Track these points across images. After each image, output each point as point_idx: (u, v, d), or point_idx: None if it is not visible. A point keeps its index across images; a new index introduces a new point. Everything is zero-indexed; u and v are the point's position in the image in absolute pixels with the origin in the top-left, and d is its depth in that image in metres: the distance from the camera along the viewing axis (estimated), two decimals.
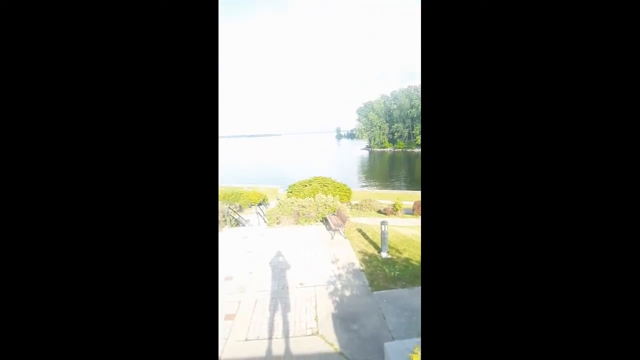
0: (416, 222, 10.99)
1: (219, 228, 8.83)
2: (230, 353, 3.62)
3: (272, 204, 12.75)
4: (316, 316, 4.27)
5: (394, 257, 6.26)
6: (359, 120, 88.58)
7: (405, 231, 8.76)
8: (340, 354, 3.54)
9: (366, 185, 30.11)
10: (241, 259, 6.43)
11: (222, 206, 9.73)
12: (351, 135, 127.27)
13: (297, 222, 9.17)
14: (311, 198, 9.87)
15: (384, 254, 6.29)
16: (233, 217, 10.57)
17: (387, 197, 17.21)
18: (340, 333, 3.89)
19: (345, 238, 7.53)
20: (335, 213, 8.92)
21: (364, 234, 7.86)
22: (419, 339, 2.64)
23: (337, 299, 4.72)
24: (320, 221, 9.14)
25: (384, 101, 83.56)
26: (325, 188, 13.39)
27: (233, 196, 14.62)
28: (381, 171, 44.60)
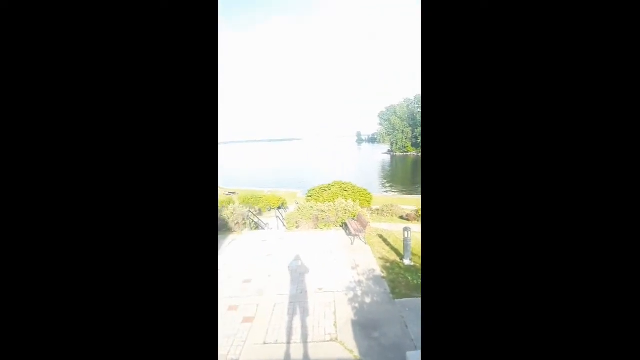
0: None
1: (239, 231, 8.96)
2: (248, 355, 3.60)
3: (292, 208, 12.80)
4: (335, 322, 4.18)
5: (417, 265, 6.05)
6: (380, 124, 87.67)
7: None
8: None
9: (388, 191, 29.64)
10: (260, 262, 6.46)
11: (242, 209, 9.87)
12: (372, 140, 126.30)
13: (316, 227, 9.13)
14: (331, 203, 9.80)
15: (406, 261, 6.10)
16: (252, 221, 10.70)
17: (409, 202, 16.82)
18: (360, 340, 3.78)
19: (365, 244, 7.39)
20: (355, 218, 8.80)
21: (385, 240, 7.68)
22: None
23: (357, 305, 4.60)
24: (340, 226, 9.04)
25: (407, 104, 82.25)
26: (345, 193, 13.29)
27: (253, 200, 14.85)
28: (403, 176, 43.78)
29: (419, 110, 78.40)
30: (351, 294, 4.92)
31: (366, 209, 12.69)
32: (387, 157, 73.22)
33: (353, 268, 5.96)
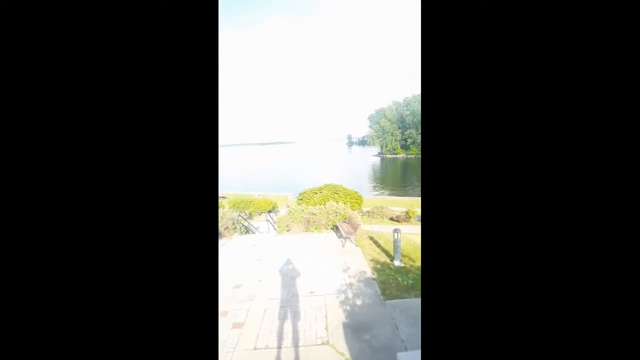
0: None
1: (229, 235, 8.86)
2: None
3: (282, 211, 12.75)
4: (326, 325, 4.17)
5: (407, 266, 6.09)
6: (370, 126, 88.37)
7: (418, 239, 8.55)
8: None
9: (378, 193, 29.83)
10: (250, 266, 6.40)
11: (232, 214, 9.77)
12: (362, 142, 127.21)
13: (307, 230, 9.11)
14: (322, 205, 9.81)
15: (396, 263, 6.14)
16: (243, 225, 10.60)
17: (399, 204, 16.95)
18: (351, 343, 3.77)
19: (356, 246, 7.41)
20: (346, 220, 8.82)
21: (375, 242, 7.72)
22: None
23: (348, 307, 4.60)
24: (331, 229, 9.05)
25: (396, 107, 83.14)
26: (336, 195, 13.31)
27: (243, 204, 14.73)
28: (393, 178, 44.15)
29: (408, 113, 79.48)
30: (342, 297, 4.91)
31: (357, 211, 12.73)
32: (377, 160, 73.77)
33: (344, 270, 5.96)
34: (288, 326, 4.20)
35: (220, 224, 8.87)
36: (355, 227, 7.77)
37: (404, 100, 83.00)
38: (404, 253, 6.68)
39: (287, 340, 3.89)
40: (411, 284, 5.27)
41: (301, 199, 13.89)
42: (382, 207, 13.91)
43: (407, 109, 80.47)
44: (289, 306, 4.71)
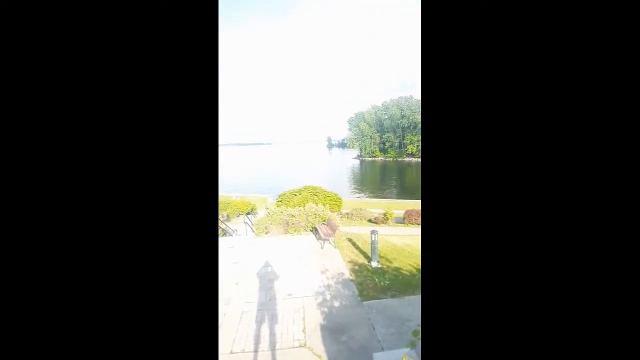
0: (407, 231, 11.00)
1: None
2: None
3: (261, 213, 12.60)
4: (304, 328, 4.16)
5: (384, 267, 6.21)
6: (350, 129, 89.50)
7: (396, 240, 8.74)
8: None
9: (357, 195, 30.18)
10: (227, 269, 6.27)
11: None
12: (342, 145, 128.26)
13: (286, 232, 9.06)
14: (301, 207, 9.79)
15: (374, 264, 6.23)
16: (220, 227, 10.37)
17: (378, 206, 17.24)
18: (328, 344, 3.79)
19: (335, 248, 7.45)
20: (325, 222, 8.86)
21: (354, 244, 7.80)
22: (408, 349, 2.59)
23: (326, 309, 4.62)
24: (310, 231, 9.05)
25: (375, 111, 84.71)
26: (316, 197, 13.34)
27: (220, 205, 14.41)
28: (372, 180, 44.83)
29: (386, 117, 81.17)
30: (320, 299, 4.92)
31: (336, 213, 12.82)
32: (357, 162, 74.66)
33: (322, 272, 5.98)
34: (265, 329, 4.15)
35: None
36: (334, 229, 7.82)
37: (382, 104, 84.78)
38: (381, 254, 6.80)
39: (264, 344, 3.85)
40: (388, 284, 5.37)
41: (280, 201, 13.81)
42: (361, 209, 14.08)
43: (386, 114, 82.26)
44: (267, 309, 4.66)
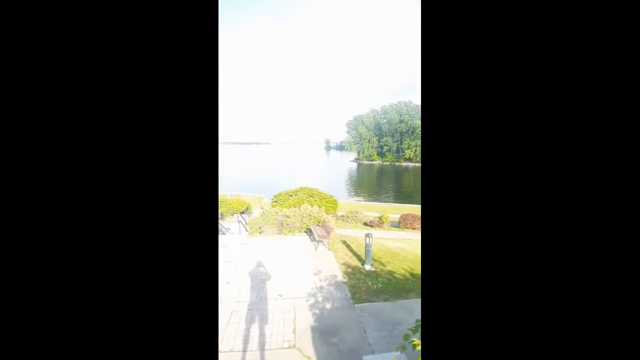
0: (401, 235, 10.99)
1: None
2: None
3: (256, 212, 12.53)
4: (294, 329, 4.11)
5: (377, 270, 6.18)
6: (348, 132, 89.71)
7: (390, 244, 8.72)
8: None
9: (354, 197, 30.19)
10: (219, 268, 6.21)
11: None
12: (340, 147, 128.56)
13: (280, 232, 9.00)
14: (296, 208, 9.74)
15: (367, 267, 6.20)
16: None
17: (373, 209, 17.24)
18: (318, 346, 3.74)
19: (329, 249, 7.41)
20: (320, 224, 8.82)
21: (348, 246, 7.77)
22: (399, 353, 2.56)
23: (317, 311, 4.57)
24: (305, 232, 9.00)
25: (374, 115, 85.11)
26: (312, 199, 13.30)
27: None
28: (369, 183, 44.93)
29: (385, 121, 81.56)
30: (312, 300, 4.88)
31: (331, 215, 12.78)
32: (354, 165, 74.88)
33: (315, 274, 5.94)
34: (255, 329, 4.10)
35: None
36: (328, 231, 7.78)
37: (381, 108, 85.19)
38: (375, 257, 6.77)
39: (253, 344, 3.79)
40: (380, 287, 5.34)
41: (276, 201, 13.75)
42: (356, 212, 14.06)
43: (384, 118, 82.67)
44: (257, 309, 4.60)
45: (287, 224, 9.08)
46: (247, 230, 9.61)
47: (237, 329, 4.09)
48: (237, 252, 7.18)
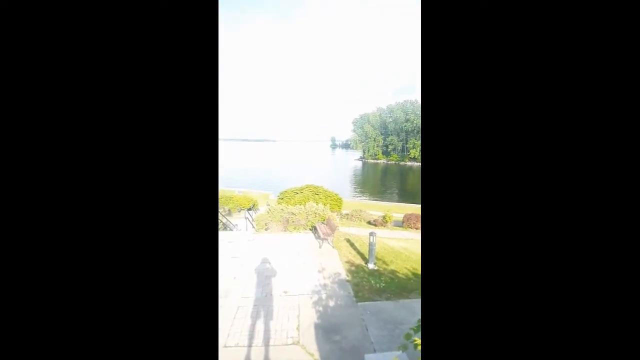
0: (405, 234, 11.02)
1: None
2: None
3: (262, 209, 12.66)
4: (298, 325, 4.20)
5: (381, 269, 6.24)
6: (354, 131, 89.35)
7: (393, 243, 8.76)
8: None
9: (358, 196, 30.18)
10: (226, 264, 6.33)
11: None
12: (346, 146, 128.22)
13: (285, 229, 9.10)
14: (301, 206, 9.83)
15: (370, 265, 6.27)
16: (221, 221, 10.43)
17: (378, 208, 17.25)
18: (321, 343, 3.83)
19: (333, 247, 7.49)
20: (324, 222, 8.89)
21: (352, 244, 7.83)
22: (400, 352, 2.62)
23: (321, 308, 4.66)
24: (310, 229, 9.09)
25: (380, 114, 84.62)
26: (317, 196, 13.37)
27: (222, 200, 14.48)
28: (374, 182, 44.82)
29: (390, 120, 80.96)
30: (316, 297, 4.96)
31: (336, 213, 12.84)
32: (359, 164, 74.58)
33: (319, 271, 6.02)
34: (260, 325, 4.20)
35: None
36: (333, 229, 7.85)
37: (387, 107, 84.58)
38: (379, 256, 6.83)
39: (258, 339, 3.89)
40: (383, 286, 5.40)
41: (282, 198, 13.85)
42: (360, 211, 14.10)
43: (390, 117, 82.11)
44: (262, 305, 4.71)
45: (293, 222, 9.17)
46: (253, 227, 9.72)
47: (243, 324, 4.19)
48: (244, 249, 7.30)
